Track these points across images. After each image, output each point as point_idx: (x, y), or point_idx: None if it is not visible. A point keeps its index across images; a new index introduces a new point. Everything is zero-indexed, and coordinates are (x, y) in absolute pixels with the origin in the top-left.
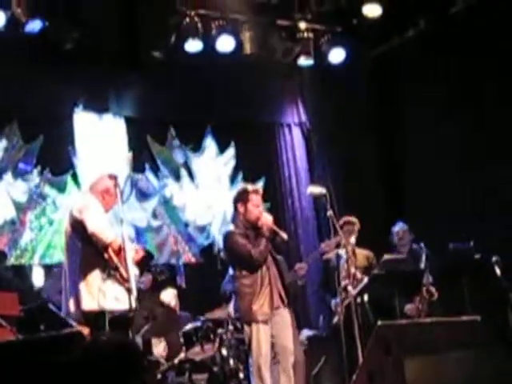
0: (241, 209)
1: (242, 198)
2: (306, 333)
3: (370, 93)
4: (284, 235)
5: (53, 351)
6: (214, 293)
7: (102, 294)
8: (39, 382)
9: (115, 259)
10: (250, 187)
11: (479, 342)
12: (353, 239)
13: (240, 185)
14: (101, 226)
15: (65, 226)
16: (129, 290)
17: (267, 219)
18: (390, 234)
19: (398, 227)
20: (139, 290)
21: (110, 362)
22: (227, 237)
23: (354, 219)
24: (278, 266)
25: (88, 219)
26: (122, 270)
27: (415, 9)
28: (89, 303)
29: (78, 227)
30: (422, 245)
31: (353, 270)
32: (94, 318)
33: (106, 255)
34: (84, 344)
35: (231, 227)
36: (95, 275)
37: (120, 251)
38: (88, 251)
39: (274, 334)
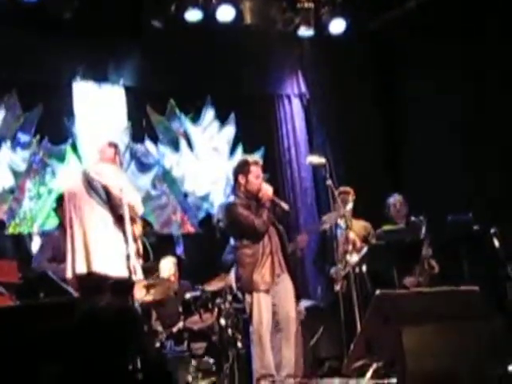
0: (242, 180)
1: (242, 169)
2: (304, 303)
3: (371, 64)
4: (285, 206)
5: (52, 317)
6: (212, 263)
7: (106, 259)
8: (38, 348)
9: (137, 232)
10: (250, 159)
11: (477, 312)
12: (348, 208)
13: (239, 156)
14: (137, 197)
15: (71, 190)
16: (128, 258)
17: (267, 190)
18: (386, 206)
19: (394, 199)
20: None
21: (108, 328)
22: (229, 208)
23: (348, 189)
24: (280, 236)
25: (124, 188)
26: (139, 241)
27: None
28: (97, 265)
29: (100, 191)
30: (422, 217)
31: (352, 236)
32: (95, 282)
33: (126, 226)
34: (83, 310)
35: (232, 199)
36: (103, 239)
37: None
38: (106, 215)
39: (276, 303)
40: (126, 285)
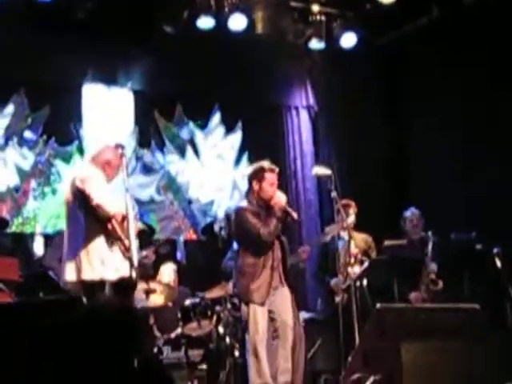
0: (255, 187)
1: (257, 175)
2: (304, 315)
3: (379, 79)
4: (295, 215)
5: (52, 315)
6: (213, 270)
7: (103, 264)
8: (37, 344)
9: (119, 230)
10: (266, 165)
11: (477, 329)
12: (349, 220)
13: (245, 165)
14: (104, 197)
15: (65, 196)
16: (130, 260)
17: (280, 199)
18: (402, 219)
19: (411, 213)
20: (144, 265)
21: (108, 326)
22: (238, 213)
23: (350, 201)
24: (283, 249)
25: (92, 191)
26: (125, 241)
27: None
28: (89, 273)
29: (80, 197)
30: (430, 233)
31: (354, 250)
32: (93, 288)
33: (109, 226)
34: (83, 308)
35: (244, 203)
36: (96, 245)
37: (123, 222)
38: (90, 221)
39: (274, 310)
40: (127, 285)
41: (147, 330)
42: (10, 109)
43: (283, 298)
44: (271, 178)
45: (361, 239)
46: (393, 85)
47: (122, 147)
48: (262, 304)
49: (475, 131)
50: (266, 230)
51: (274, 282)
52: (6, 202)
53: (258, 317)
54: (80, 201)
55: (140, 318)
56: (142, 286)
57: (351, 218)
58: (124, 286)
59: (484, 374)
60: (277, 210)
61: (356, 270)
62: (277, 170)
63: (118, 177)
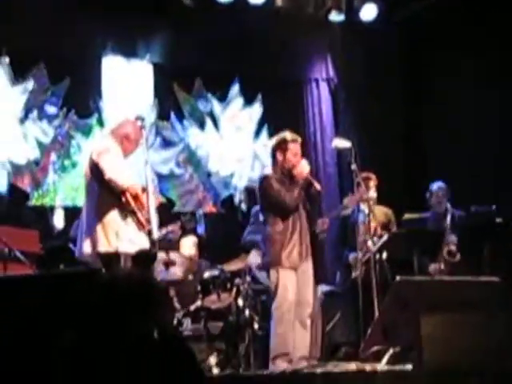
0: (279, 157)
1: (280, 146)
2: (323, 288)
3: (400, 51)
4: (318, 186)
5: (72, 287)
6: (233, 243)
7: (117, 237)
8: (55, 315)
9: (132, 203)
10: (288, 136)
11: (496, 302)
12: (370, 194)
13: (265, 138)
14: (117, 171)
15: (84, 169)
16: (149, 233)
17: (304, 168)
18: (428, 191)
19: (437, 187)
20: (170, 240)
21: (127, 297)
22: (263, 180)
23: (370, 174)
24: (310, 223)
25: (105, 164)
26: (139, 214)
27: None
28: (104, 245)
29: (95, 170)
30: (449, 205)
31: (374, 224)
32: (110, 260)
33: (123, 199)
34: (103, 279)
35: (269, 172)
36: (111, 218)
37: (137, 196)
38: (105, 194)
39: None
40: (146, 257)
41: (167, 302)
42: (29, 82)
43: (305, 273)
44: (294, 148)
45: (381, 213)
46: (413, 58)
47: (142, 119)
48: (295, 269)
49: (498, 105)
50: (290, 195)
51: (303, 251)
52: (26, 174)
53: (287, 283)
54: (95, 174)
55: (160, 290)
56: (161, 257)
57: (372, 192)
58: (143, 259)
59: (503, 346)
60: (300, 179)
61: (375, 244)
62: (299, 140)
63: (137, 150)
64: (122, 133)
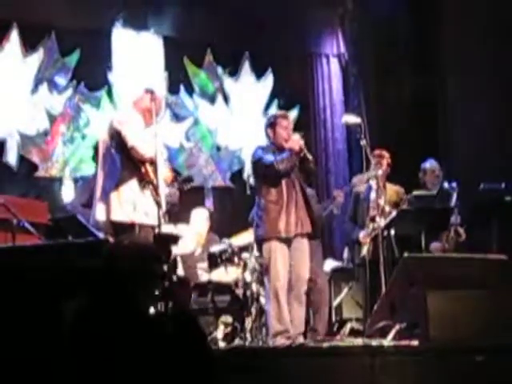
0: (271, 134)
1: (270, 122)
2: (330, 263)
3: (412, 28)
4: (310, 156)
5: (79, 256)
6: (241, 217)
7: (133, 207)
8: (63, 284)
9: (151, 174)
10: (278, 112)
11: (504, 280)
12: (381, 171)
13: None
14: (141, 141)
15: (102, 137)
16: (158, 204)
17: (295, 142)
18: (421, 170)
19: (430, 164)
20: (167, 203)
21: (130, 266)
22: (254, 151)
23: (384, 152)
24: (305, 196)
25: (128, 132)
26: (156, 186)
27: None
28: (119, 214)
29: (116, 138)
30: (454, 184)
31: (381, 201)
32: (123, 229)
33: (143, 169)
34: (109, 248)
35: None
36: (129, 187)
37: (156, 168)
38: (124, 163)
39: (291, 262)
40: (169, 239)
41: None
42: (40, 53)
43: (302, 250)
44: (284, 122)
45: (393, 191)
46: (425, 33)
47: (152, 92)
48: (289, 242)
49: (509, 79)
50: (279, 158)
51: (299, 226)
52: (35, 146)
53: (278, 262)
54: (116, 142)
55: (162, 260)
56: (170, 229)
57: (382, 169)
58: (165, 240)
59: (510, 323)
60: (292, 153)
61: (383, 221)
62: (290, 116)
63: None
64: (145, 106)
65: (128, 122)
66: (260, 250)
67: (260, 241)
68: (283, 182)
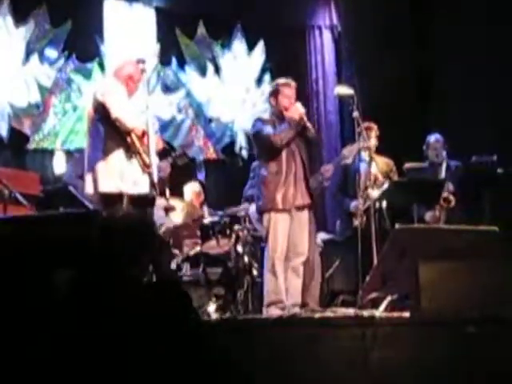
0: (273, 102)
1: (273, 91)
2: (322, 236)
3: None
4: (312, 129)
5: (69, 227)
6: (233, 189)
7: (121, 177)
8: (53, 255)
9: (137, 144)
10: (281, 80)
11: (496, 251)
12: (371, 143)
13: (267, 85)
14: (124, 111)
15: (87, 109)
16: (150, 175)
17: (296, 110)
18: (425, 144)
19: (435, 138)
20: (159, 179)
21: (122, 238)
22: (254, 122)
23: (372, 124)
24: (305, 168)
25: (112, 104)
26: (144, 155)
27: None
28: (106, 185)
29: (100, 110)
30: (445, 154)
31: (374, 171)
32: (111, 200)
33: (128, 139)
34: (99, 219)
35: (261, 115)
36: (116, 157)
37: (143, 137)
38: (110, 134)
39: (289, 234)
40: (146, 200)
41: (164, 246)
42: (31, 25)
43: (301, 222)
44: (287, 91)
45: (383, 162)
46: (419, 4)
47: (143, 62)
48: (289, 213)
49: (501, 54)
50: (278, 129)
51: (299, 198)
52: (26, 118)
53: (278, 232)
54: (100, 114)
55: (154, 231)
56: (161, 202)
57: (373, 141)
58: (142, 201)
59: (501, 294)
60: (293, 122)
61: (375, 192)
62: (293, 84)
63: (138, 93)
64: (126, 74)
65: (111, 92)
66: (261, 218)
67: (260, 212)
68: (283, 154)
